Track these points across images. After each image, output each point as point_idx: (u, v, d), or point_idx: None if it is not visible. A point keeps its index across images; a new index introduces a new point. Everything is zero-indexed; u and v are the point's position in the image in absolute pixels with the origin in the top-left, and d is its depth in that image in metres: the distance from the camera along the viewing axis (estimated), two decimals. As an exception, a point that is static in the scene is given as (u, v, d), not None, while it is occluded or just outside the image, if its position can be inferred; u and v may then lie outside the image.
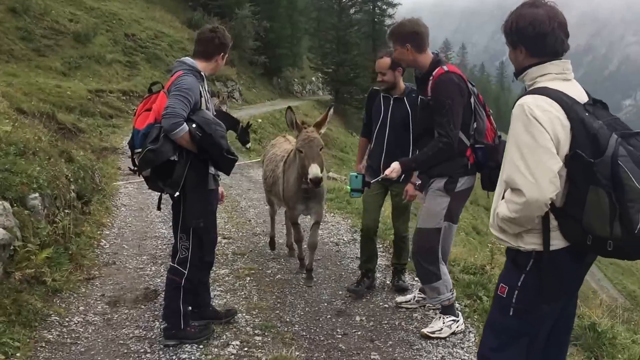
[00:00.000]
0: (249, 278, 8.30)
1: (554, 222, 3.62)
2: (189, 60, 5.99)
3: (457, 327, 6.63)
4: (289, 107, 7.48)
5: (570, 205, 3.55)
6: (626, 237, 3.35)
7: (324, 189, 8.21)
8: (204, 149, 5.67)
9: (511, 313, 3.77)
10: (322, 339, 6.42)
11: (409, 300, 7.43)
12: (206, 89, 6.08)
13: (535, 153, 3.45)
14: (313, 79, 77.12)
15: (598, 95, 3.72)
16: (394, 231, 8.11)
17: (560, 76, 3.70)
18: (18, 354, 5.47)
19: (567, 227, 3.60)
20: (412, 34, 6.03)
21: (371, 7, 74.19)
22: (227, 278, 8.26)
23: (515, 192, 3.54)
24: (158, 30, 41.05)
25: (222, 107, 24.65)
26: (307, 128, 7.41)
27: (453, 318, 6.65)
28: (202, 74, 6.02)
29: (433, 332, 6.48)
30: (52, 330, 6.22)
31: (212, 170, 6.03)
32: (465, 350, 6.24)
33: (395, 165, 6.13)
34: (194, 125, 5.57)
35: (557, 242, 3.63)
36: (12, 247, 6.47)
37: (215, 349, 6.01)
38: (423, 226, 6.34)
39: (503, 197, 3.70)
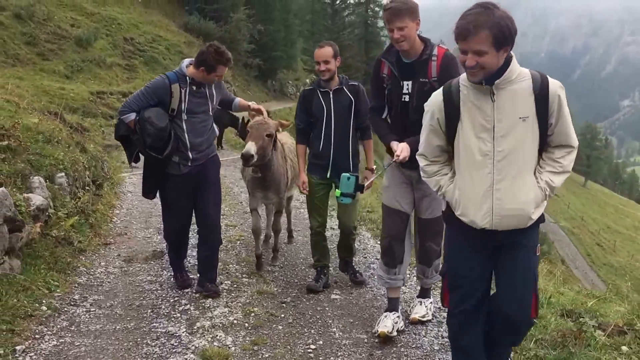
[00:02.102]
0: (239, 242, 9.95)
1: None
2: (184, 63, 6.94)
3: (432, 308, 6.90)
4: (242, 118, 8.15)
5: None
6: None
7: (280, 180, 8.22)
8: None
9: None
10: (295, 281, 8.11)
11: (426, 314, 6.81)
12: (191, 90, 6.87)
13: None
14: (307, 80, 77.33)
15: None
16: (341, 226, 7.97)
17: None
18: (58, 290, 7.08)
19: None
20: (417, 9, 5.87)
21: (364, 10, 74.08)
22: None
23: (572, 150, 4.43)
24: (156, 34, 41.90)
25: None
26: (266, 116, 7.70)
27: (431, 300, 6.94)
28: (188, 78, 6.82)
29: (423, 317, 6.68)
30: (82, 276, 7.84)
31: (175, 158, 6.96)
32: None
33: (403, 145, 5.90)
34: (137, 117, 6.73)
35: None
36: (47, 213, 8.02)
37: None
38: (434, 215, 6.31)
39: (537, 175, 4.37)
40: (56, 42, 30.63)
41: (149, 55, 37.80)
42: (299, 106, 7.80)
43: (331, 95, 7.46)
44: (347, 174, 6.12)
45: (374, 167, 7.55)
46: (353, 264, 8.36)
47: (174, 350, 5.81)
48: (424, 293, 6.95)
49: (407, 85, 6.01)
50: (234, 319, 6.60)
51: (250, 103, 7.79)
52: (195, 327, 6.31)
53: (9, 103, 11.30)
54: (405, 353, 5.99)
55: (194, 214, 7.48)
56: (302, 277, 8.31)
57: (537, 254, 4.58)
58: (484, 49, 3.98)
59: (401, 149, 5.79)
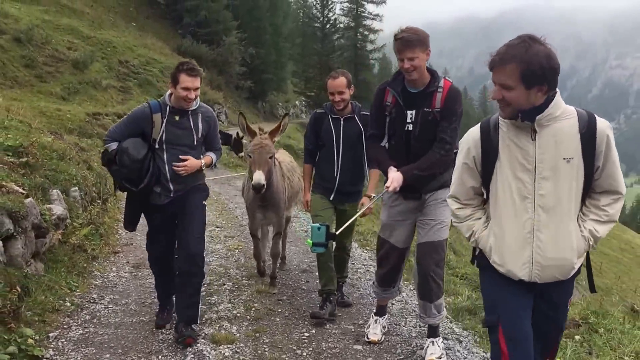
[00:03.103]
0: (237, 250, 10.85)
1: None
2: (167, 93, 6.62)
3: (443, 347, 6.61)
4: (240, 113, 7.68)
5: None
6: None
7: (280, 198, 8.20)
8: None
9: None
10: (290, 283, 9.02)
11: (442, 354, 6.47)
12: (171, 119, 6.51)
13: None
14: (297, 102, 78.38)
15: None
16: (338, 246, 7.85)
17: None
18: (78, 290, 7.96)
19: None
20: (428, 39, 5.85)
21: (353, 34, 74.74)
22: (221, 251, 10.76)
23: (619, 197, 4.08)
24: (150, 57, 42.35)
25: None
26: (261, 135, 7.49)
27: (441, 339, 6.68)
28: (169, 107, 6.51)
29: (440, 358, 6.37)
30: (97, 279, 8.69)
31: (157, 188, 6.62)
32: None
33: (396, 175, 5.95)
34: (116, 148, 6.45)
35: None
36: (65, 223, 8.87)
37: (215, 286, 8.62)
38: (436, 239, 6.19)
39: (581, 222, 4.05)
40: (53, 65, 30.92)
41: (143, 77, 38.13)
42: (310, 127, 7.79)
43: (342, 122, 7.42)
44: (317, 225, 5.88)
45: (373, 195, 7.28)
46: (342, 285, 8.26)
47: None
48: (433, 332, 6.59)
49: (411, 114, 6.01)
50: (237, 313, 7.53)
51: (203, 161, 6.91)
52: (203, 319, 7.19)
53: (22, 123, 12.15)
54: (387, 339, 6.90)
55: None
56: (296, 279, 9.22)
57: (569, 307, 4.41)
58: (509, 83, 3.78)
59: (391, 180, 5.85)
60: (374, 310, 7.12)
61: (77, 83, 30.65)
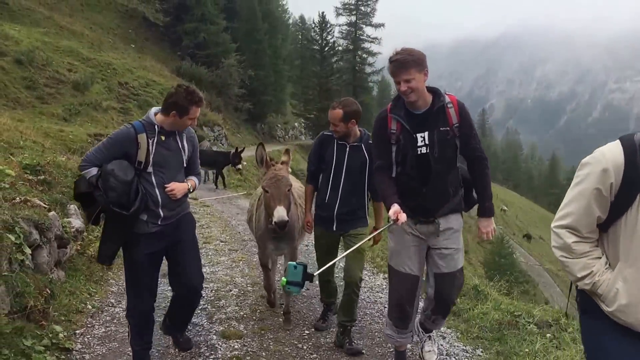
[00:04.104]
0: (241, 262, 11.56)
1: None
2: (151, 111, 6.14)
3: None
4: (260, 144, 7.27)
5: None
6: None
7: (294, 227, 7.64)
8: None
9: None
10: None
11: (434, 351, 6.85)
12: (159, 140, 6.05)
13: None
14: (296, 124, 78.58)
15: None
16: (347, 281, 7.20)
17: None
18: (97, 295, 8.69)
19: None
20: (425, 59, 5.65)
21: (352, 56, 75.78)
22: (226, 262, 11.47)
23: None
24: (149, 79, 42.56)
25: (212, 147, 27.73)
26: (276, 165, 7.07)
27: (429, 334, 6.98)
28: (156, 127, 6.04)
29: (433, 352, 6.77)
30: (113, 287, 9.39)
31: (143, 216, 6.05)
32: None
33: (490, 223, 6.00)
34: (99, 172, 5.87)
35: None
36: (82, 235, 9.58)
37: (223, 292, 9.35)
38: (457, 268, 6.08)
39: None
40: (55, 87, 31.14)
41: (142, 99, 38.07)
42: (314, 149, 7.50)
43: (347, 149, 7.17)
44: (294, 263, 5.33)
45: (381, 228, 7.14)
46: (350, 330, 7.43)
47: (199, 333, 7.52)
48: (427, 330, 6.86)
49: (423, 136, 5.74)
50: (244, 314, 8.32)
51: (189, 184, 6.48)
52: (213, 319, 8.01)
53: (36, 143, 12.88)
54: (376, 328, 7.83)
55: (168, 278, 6.82)
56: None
57: None
58: None
59: (394, 212, 5.45)
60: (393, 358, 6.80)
61: (78, 104, 30.77)
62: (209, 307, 8.60)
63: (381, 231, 6.57)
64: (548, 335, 7.80)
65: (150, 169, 6.02)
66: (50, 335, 6.62)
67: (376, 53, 75.92)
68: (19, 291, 6.55)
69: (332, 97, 68.19)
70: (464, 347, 7.34)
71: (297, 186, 8.53)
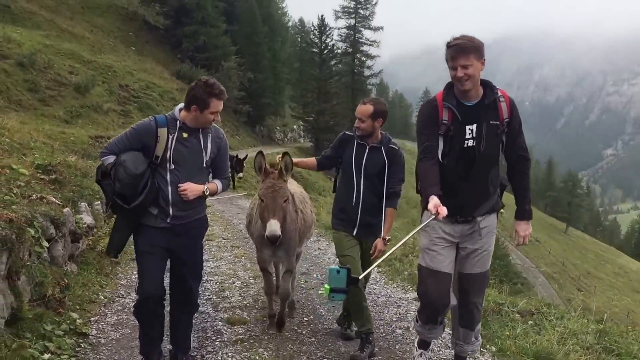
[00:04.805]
0: (243, 257, 12.14)
1: None
2: (177, 107, 5.98)
3: None
4: (260, 152, 6.85)
5: None
6: None
7: (292, 237, 7.36)
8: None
9: None
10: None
11: None
12: (179, 137, 5.84)
13: None
14: (294, 126, 78.95)
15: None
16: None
17: None
18: (108, 288, 9.18)
19: None
20: (484, 48, 5.47)
21: (351, 59, 76.51)
22: (229, 257, 12.06)
23: None
24: (149, 81, 43.43)
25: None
26: (274, 174, 6.81)
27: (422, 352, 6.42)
28: (178, 122, 5.87)
29: None
30: (122, 280, 9.89)
31: (154, 210, 5.89)
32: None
33: (529, 227, 5.85)
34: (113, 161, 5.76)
35: None
36: (93, 231, 10.09)
37: (227, 284, 9.93)
38: (485, 269, 5.96)
39: None
40: (56, 89, 31.59)
41: (143, 101, 38.89)
42: (335, 144, 7.33)
43: (367, 150, 7.02)
44: (336, 267, 5.13)
45: (388, 237, 6.98)
46: (370, 338, 7.10)
47: (206, 320, 8.05)
48: (425, 345, 6.40)
49: (471, 129, 5.57)
50: (247, 303, 8.90)
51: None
52: (219, 308, 8.58)
53: (45, 145, 13.39)
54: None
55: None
56: (299, 277, 10.43)
57: None
58: None
59: (434, 205, 5.19)
60: (417, 342, 6.47)
61: (79, 107, 31.33)
62: (214, 297, 9.12)
63: (421, 228, 5.76)
64: (530, 322, 8.43)
65: (166, 165, 5.85)
66: (68, 321, 7.15)
67: (375, 56, 76.61)
68: (38, 281, 7.08)
69: (331, 99, 68.97)
70: (450, 332, 7.62)
71: (299, 191, 8.37)
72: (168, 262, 6.22)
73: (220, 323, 7.94)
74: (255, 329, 7.75)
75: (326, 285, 5.03)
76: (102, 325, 7.66)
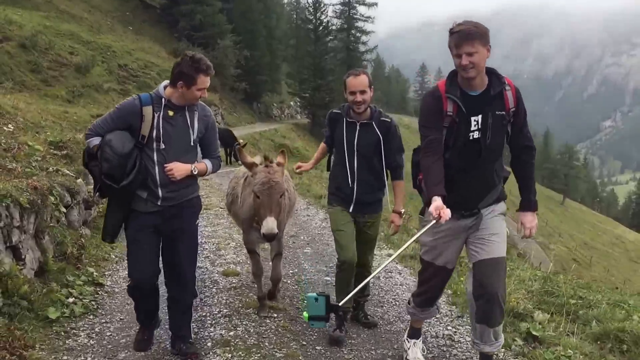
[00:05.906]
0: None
1: None
2: (161, 84, 5.81)
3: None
4: (238, 144, 5.58)
5: None
6: None
7: (281, 222, 6.90)
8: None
9: None
10: (289, 282, 10.14)
11: None
12: (165, 115, 5.70)
13: None
14: (291, 103, 79.52)
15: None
16: (359, 263, 6.96)
17: None
18: (117, 249, 10.24)
19: None
20: (489, 34, 5.24)
21: (346, 35, 76.37)
22: (225, 223, 13.11)
23: None
24: (147, 61, 43.79)
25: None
26: (270, 166, 6.56)
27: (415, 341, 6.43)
28: (164, 99, 5.71)
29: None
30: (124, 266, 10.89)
31: (143, 194, 5.74)
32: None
33: (535, 218, 5.65)
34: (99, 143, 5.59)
35: None
36: (102, 201, 11.17)
37: (223, 245, 11.09)
38: (500, 255, 5.53)
39: None
40: (57, 69, 32.06)
41: (141, 80, 39.15)
42: (327, 123, 7.18)
43: (357, 128, 6.81)
44: (314, 294, 5.05)
45: (403, 210, 7.02)
46: (364, 304, 7.60)
47: (204, 273, 9.29)
48: (416, 333, 6.43)
49: (476, 120, 5.30)
50: (240, 259, 10.18)
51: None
52: (215, 263, 9.86)
53: (55, 123, 14.48)
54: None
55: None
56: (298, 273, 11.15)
57: None
58: None
59: (436, 208, 4.98)
60: (407, 333, 6.56)
61: (80, 86, 31.76)
62: (211, 255, 10.31)
63: (422, 233, 5.37)
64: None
65: (153, 145, 5.67)
66: (86, 274, 8.42)
67: (370, 32, 76.63)
68: (59, 241, 8.39)
69: (327, 76, 69.01)
70: (450, 309, 8.27)
71: (292, 186, 8.33)
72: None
73: (216, 275, 9.16)
74: (247, 280, 8.93)
75: (305, 313, 5.02)
76: (115, 277, 8.87)
